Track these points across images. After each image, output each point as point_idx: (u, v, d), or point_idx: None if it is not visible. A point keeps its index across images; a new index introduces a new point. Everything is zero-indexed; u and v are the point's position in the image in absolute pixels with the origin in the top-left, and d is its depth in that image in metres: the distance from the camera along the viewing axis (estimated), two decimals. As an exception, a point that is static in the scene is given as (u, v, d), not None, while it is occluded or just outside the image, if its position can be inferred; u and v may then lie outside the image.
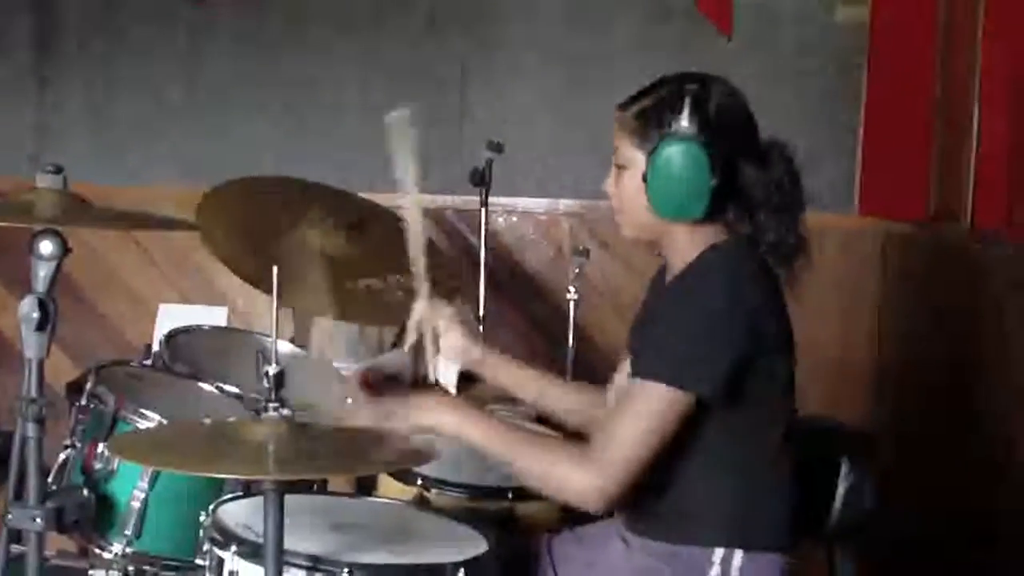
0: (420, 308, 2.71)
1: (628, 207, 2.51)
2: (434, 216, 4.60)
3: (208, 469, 2.12)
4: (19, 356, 4.62)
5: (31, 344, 2.33)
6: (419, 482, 2.93)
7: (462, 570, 2.36)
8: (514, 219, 4.65)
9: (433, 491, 2.93)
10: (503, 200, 4.57)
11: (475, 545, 2.50)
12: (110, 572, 2.78)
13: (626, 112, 2.50)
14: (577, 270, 3.74)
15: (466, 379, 3.61)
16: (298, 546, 2.32)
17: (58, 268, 2.38)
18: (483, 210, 3.78)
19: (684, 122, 2.41)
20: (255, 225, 3.26)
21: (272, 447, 2.13)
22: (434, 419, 2.44)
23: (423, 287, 2.68)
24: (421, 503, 2.91)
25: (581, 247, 3.79)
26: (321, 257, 3.27)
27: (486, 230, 3.80)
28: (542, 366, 2.89)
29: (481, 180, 3.77)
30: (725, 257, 2.45)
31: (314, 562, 2.29)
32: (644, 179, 2.44)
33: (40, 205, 2.40)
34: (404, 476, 2.96)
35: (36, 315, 2.30)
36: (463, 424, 2.43)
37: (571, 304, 3.74)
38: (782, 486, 2.47)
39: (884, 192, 4.49)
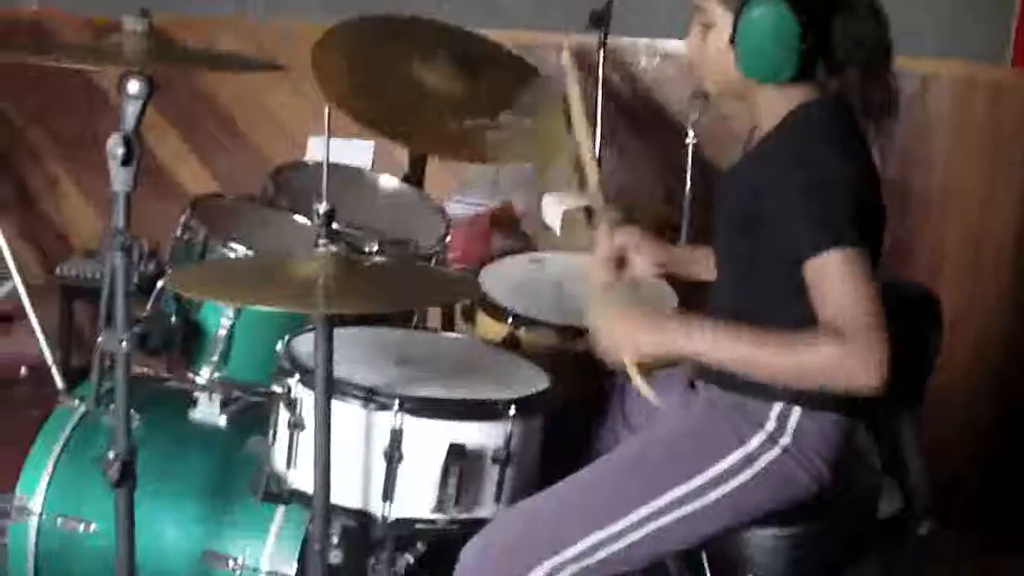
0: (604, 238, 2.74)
1: (713, 65, 2.48)
2: (579, 56, 4.61)
3: (258, 301, 2.24)
4: (178, 187, 4.91)
5: (118, 178, 2.43)
6: (510, 320, 3.01)
7: (513, 407, 2.43)
8: (656, 60, 4.62)
9: (523, 329, 3.01)
10: (645, 41, 4.57)
11: (535, 384, 2.57)
12: (213, 396, 2.91)
13: None
14: (696, 115, 3.73)
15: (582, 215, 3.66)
16: (357, 377, 2.43)
17: (144, 107, 2.47)
18: (601, 51, 3.78)
19: None
20: (368, 65, 3.33)
21: (322, 281, 2.22)
22: (659, 346, 2.39)
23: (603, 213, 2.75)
24: (512, 340, 2.99)
25: (701, 90, 3.76)
26: (434, 95, 3.33)
27: (603, 73, 3.80)
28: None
29: (599, 22, 3.76)
30: (820, 115, 2.41)
31: (369, 393, 2.40)
32: (732, 40, 2.40)
33: (127, 47, 2.48)
34: (497, 314, 3.05)
35: (121, 151, 2.40)
36: (685, 341, 2.36)
37: (689, 148, 3.75)
38: None
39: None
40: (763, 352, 2.28)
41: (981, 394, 4.44)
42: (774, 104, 2.45)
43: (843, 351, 2.20)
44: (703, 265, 2.76)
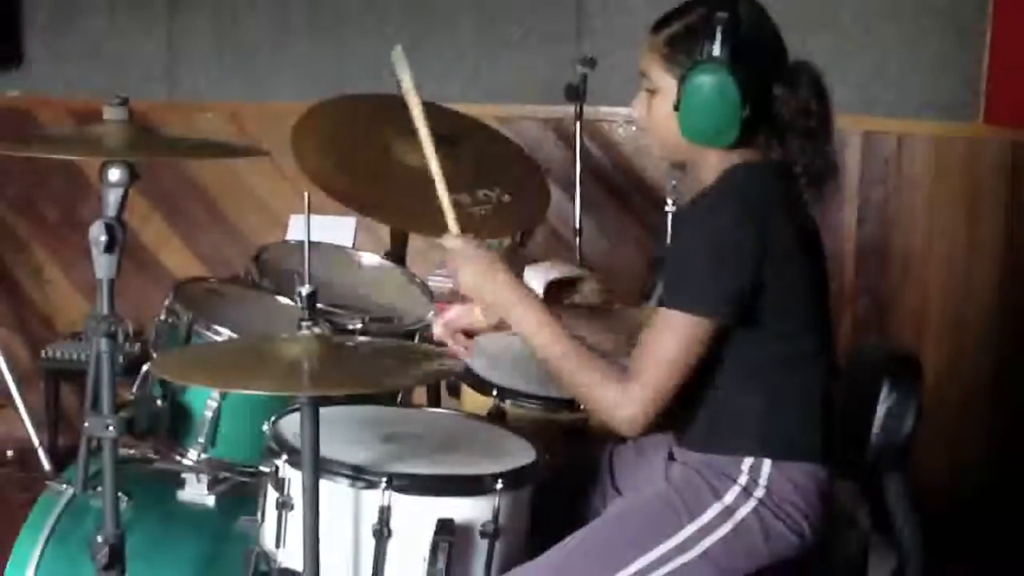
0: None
1: (659, 131, 2.55)
2: (555, 128, 4.67)
3: (243, 386, 2.25)
4: (162, 268, 4.93)
5: (101, 265, 2.45)
6: (495, 393, 3.03)
7: (500, 481, 2.44)
8: (634, 129, 4.66)
9: (508, 402, 3.03)
10: (623, 110, 4.61)
11: (522, 457, 2.58)
12: (200, 476, 2.92)
13: (656, 36, 2.53)
14: (674, 183, 3.76)
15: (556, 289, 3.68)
16: (344, 456, 2.44)
17: (126, 194, 2.48)
18: (577, 124, 3.84)
19: (715, 50, 2.42)
20: (348, 143, 3.35)
21: (306, 364, 2.24)
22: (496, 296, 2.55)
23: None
24: (497, 414, 3.01)
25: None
26: (413, 172, 3.35)
27: (581, 144, 3.85)
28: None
29: (576, 95, 3.82)
30: (741, 179, 2.48)
31: (356, 471, 2.41)
32: (675, 107, 2.46)
33: (108, 137, 2.50)
34: (482, 387, 3.07)
35: (104, 238, 2.41)
36: (519, 308, 2.53)
37: (668, 216, 3.78)
38: (812, 395, 2.50)
39: (1011, 101, 4.39)
40: (566, 361, 2.44)
41: (969, 443, 4.47)
42: (717, 167, 2.51)
43: (615, 389, 2.39)
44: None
